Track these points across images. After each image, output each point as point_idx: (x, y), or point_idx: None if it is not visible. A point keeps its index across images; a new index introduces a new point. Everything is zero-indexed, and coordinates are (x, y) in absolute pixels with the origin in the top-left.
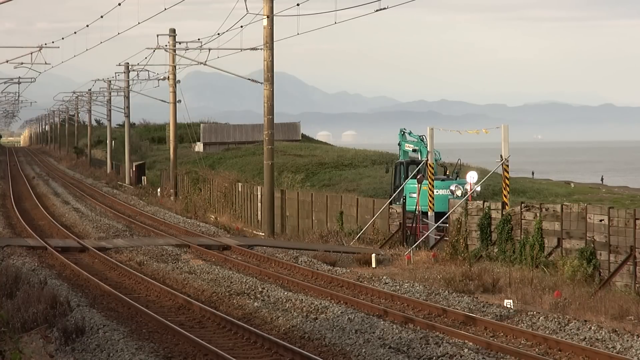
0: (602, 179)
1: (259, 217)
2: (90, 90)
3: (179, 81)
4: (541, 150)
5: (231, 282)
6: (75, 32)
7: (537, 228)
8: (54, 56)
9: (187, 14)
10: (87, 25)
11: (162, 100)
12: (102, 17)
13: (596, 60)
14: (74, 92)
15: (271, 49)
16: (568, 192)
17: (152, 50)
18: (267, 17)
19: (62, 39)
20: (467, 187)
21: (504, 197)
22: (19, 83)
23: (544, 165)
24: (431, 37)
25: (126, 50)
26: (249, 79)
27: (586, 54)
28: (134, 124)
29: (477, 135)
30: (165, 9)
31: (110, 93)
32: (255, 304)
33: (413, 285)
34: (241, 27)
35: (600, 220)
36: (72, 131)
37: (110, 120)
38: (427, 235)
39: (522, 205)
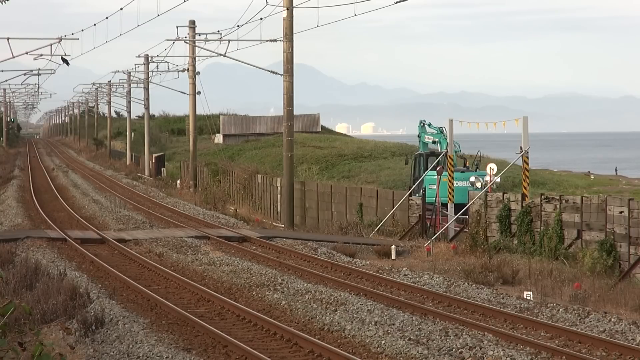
0: (615, 170)
1: (279, 209)
2: (109, 81)
3: (198, 73)
4: (559, 142)
5: (251, 274)
6: (95, 24)
7: (556, 220)
8: (73, 48)
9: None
10: (107, 18)
11: (182, 92)
12: (121, 9)
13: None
14: (93, 84)
15: (291, 40)
16: (588, 184)
17: (172, 42)
18: (287, 9)
19: (82, 30)
20: (487, 178)
21: (523, 189)
22: (38, 75)
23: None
24: (451, 30)
25: (146, 42)
26: (269, 71)
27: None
28: (154, 115)
29: (495, 127)
30: (184, 1)
31: (129, 84)
32: (275, 295)
33: (433, 277)
34: (261, 19)
35: (620, 212)
36: (92, 123)
37: (129, 112)
38: (447, 227)
39: (542, 197)
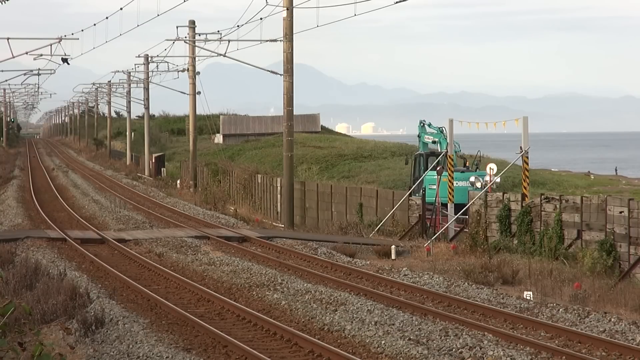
0: (615, 170)
1: (279, 209)
2: (109, 81)
3: (198, 73)
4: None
5: (251, 274)
6: (95, 24)
7: (556, 220)
8: (73, 48)
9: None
10: (107, 18)
11: (182, 92)
12: (121, 9)
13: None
14: (93, 84)
15: (291, 40)
16: (588, 184)
17: (172, 42)
18: (287, 9)
19: (82, 30)
20: (487, 178)
21: (523, 189)
22: (38, 75)
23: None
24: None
25: (146, 42)
26: (269, 71)
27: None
28: (154, 115)
29: (495, 127)
30: (184, 1)
31: (129, 84)
32: (275, 295)
33: (432, 277)
34: (261, 19)
35: (620, 212)
36: (92, 123)
37: (129, 112)
38: (447, 227)
39: (542, 197)
